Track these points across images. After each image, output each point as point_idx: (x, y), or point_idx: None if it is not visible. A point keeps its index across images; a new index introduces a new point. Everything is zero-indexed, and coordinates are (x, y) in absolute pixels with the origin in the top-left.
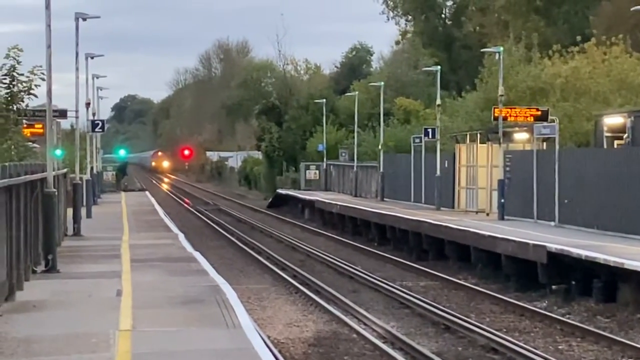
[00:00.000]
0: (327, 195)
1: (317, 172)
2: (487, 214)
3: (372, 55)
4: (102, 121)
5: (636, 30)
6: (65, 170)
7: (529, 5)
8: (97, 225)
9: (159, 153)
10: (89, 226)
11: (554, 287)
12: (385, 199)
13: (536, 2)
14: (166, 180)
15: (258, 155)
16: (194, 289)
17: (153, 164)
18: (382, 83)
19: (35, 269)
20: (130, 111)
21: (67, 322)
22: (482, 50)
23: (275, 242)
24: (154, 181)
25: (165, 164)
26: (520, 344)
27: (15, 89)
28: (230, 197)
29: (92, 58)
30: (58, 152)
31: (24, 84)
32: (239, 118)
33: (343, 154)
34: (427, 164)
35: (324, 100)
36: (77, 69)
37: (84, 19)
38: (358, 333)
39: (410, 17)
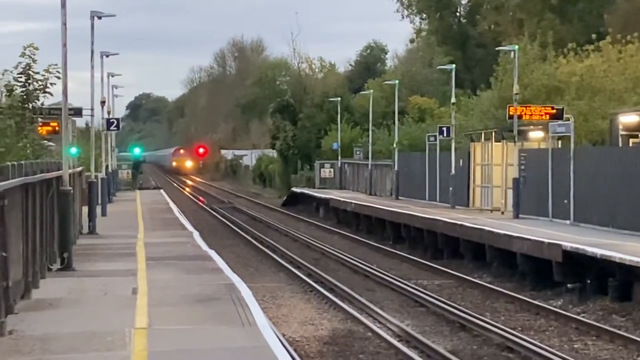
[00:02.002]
0: (342, 193)
1: (332, 170)
2: (502, 213)
3: (386, 53)
4: (117, 119)
5: None
6: (80, 168)
7: (543, 3)
8: (113, 224)
9: (181, 151)
10: (104, 224)
11: (569, 285)
12: (400, 198)
13: (551, 0)
14: (189, 182)
15: (273, 153)
16: (210, 287)
17: (174, 163)
18: (397, 81)
19: (51, 267)
20: (144, 109)
21: (83, 320)
22: (497, 48)
23: (290, 240)
24: (175, 184)
25: (189, 163)
26: (536, 342)
27: (31, 88)
28: (245, 196)
29: (107, 56)
30: (73, 150)
31: (40, 83)
32: (253, 116)
33: (358, 153)
34: (442, 163)
35: (339, 98)
36: (92, 67)
37: (100, 18)
38: (373, 331)
39: (424, 15)
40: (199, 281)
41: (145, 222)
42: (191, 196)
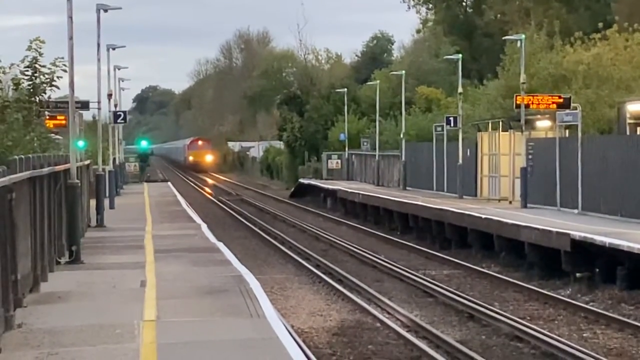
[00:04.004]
0: (349, 184)
1: (339, 161)
2: (510, 202)
3: (393, 44)
4: (124, 112)
5: None
6: (88, 161)
7: None
8: (120, 216)
9: (200, 142)
10: (112, 217)
11: (577, 274)
12: (407, 188)
13: None
14: (210, 181)
15: (280, 145)
16: (218, 279)
17: (190, 157)
18: (404, 72)
19: (59, 260)
20: (151, 102)
21: (91, 313)
22: (503, 38)
23: (298, 231)
24: (182, 176)
25: (209, 157)
26: (545, 331)
27: (38, 81)
28: (253, 187)
29: (113, 49)
30: (80, 143)
31: (46, 76)
32: (260, 108)
33: (365, 143)
34: (449, 153)
35: (345, 89)
36: (98, 60)
37: (105, 11)
38: (382, 322)
39: (431, 5)
40: (207, 273)
41: (153, 214)
42: (199, 188)
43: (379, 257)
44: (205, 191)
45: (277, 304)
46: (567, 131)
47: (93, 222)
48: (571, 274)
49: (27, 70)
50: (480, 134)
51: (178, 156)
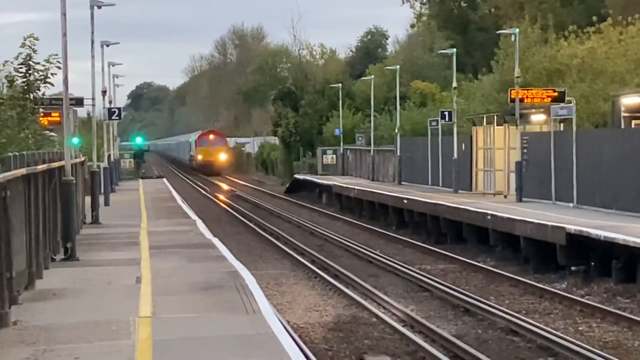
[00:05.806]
0: (345, 179)
1: (334, 156)
2: (505, 196)
3: (387, 39)
4: (119, 109)
5: None
6: (82, 158)
7: None
8: (116, 213)
9: (211, 136)
10: (107, 214)
11: (573, 268)
12: (402, 183)
13: None
14: (206, 178)
15: (275, 140)
16: (213, 275)
17: (199, 156)
18: (398, 67)
19: (54, 257)
20: (146, 99)
21: (87, 310)
22: (497, 32)
23: (294, 227)
24: (189, 181)
25: (223, 157)
26: (540, 325)
27: (32, 78)
28: (248, 183)
29: (107, 46)
30: (75, 140)
31: (40, 73)
32: (255, 104)
33: (360, 138)
34: (444, 147)
35: (340, 84)
36: (92, 57)
37: (99, 7)
38: (377, 317)
39: (425, 0)
40: (202, 269)
41: (148, 211)
42: (194, 184)
43: (374, 252)
44: (200, 187)
45: (273, 300)
46: (561, 125)
47: (88, 219)
48: (567, 268)
49: (21, 67)
50: (475, 129)
51: (181, 154)
